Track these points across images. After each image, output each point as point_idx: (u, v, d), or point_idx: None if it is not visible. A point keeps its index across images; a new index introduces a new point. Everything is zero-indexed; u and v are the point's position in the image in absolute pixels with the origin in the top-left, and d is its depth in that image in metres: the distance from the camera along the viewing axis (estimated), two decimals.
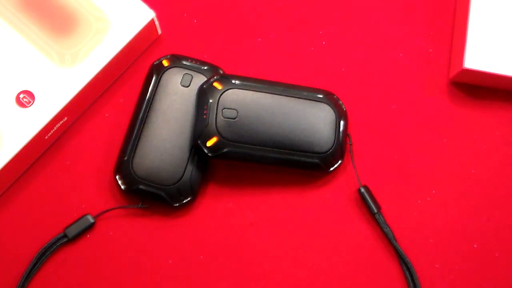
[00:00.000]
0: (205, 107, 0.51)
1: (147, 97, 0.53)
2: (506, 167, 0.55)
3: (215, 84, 0.51)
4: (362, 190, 0.53)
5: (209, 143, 0.50)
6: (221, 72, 0.55)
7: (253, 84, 0.52)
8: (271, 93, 0.52)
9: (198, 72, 0.54)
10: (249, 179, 0.55)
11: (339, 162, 0.53)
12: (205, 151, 0.51)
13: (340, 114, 0.53)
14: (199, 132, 0.51)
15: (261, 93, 0.52)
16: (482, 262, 0.53)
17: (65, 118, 0.54)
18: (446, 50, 0.58)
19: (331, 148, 0.52)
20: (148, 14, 0.54)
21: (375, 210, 0.53)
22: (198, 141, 0.51)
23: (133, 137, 0.52)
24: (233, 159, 0.51)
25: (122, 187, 0.52)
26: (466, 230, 0.54)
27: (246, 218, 0.54)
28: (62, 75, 0.52)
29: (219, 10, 0.58)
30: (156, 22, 0.55)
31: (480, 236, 0.54)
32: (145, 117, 0.53)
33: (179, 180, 0.52)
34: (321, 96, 0.53)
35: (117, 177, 0.52)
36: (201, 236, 0.54)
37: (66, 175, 0.54)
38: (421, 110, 0.56)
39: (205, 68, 0.54)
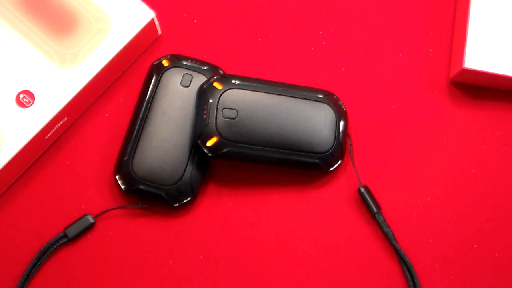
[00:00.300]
0: (205, 107, 0.51)
1: (147, 97, 0.53)
2: (506, 167, 0.55)
3: (215, 84, 0.51)
4: (362, 190, 0.53)
5: (209, 143, 0.50)
6: (221, 72, 0.55)
7: (253, 84, 0.52)
8: (271, 93, 0.52)
9: (198, 72, 0.54)
10: (249, 179, 0.55)
11: (339, 162, 0.53)
12: (205, 151, 0.51)
13: (340, 114, 0.53)
14: (199, 132, 0.51)
15: (261, 93, 0.52)
16: (482, 262, 0.53)
17: (65, 118, 0.54)
18: (446, 50, 0.58)
19: (331, 148, 0.52)
20: (148, 14, 0.54)
21: (375, 210, 0.53)
22: (198, 141, 0.51)
23: (133, 137, 0.52)
24: (233, 159, 0.51)
25: (122, 187, 0.52)
26: (466, 230, 0.54)
27: (246, 218, 0.54)
28: (62, 75, 0.52)
29: (219, 10, 0.58)
30: (156, 22, 0.55)
31: (480, 236, 0.54)
32: (145, 117, 0.53)
33: (179, 180, 0.52)
34: (321, 96, 0.53)
35: (117, 177, 0.52)
36: (201, 236, 0.54)
37: (66, 175, 0.54)
38: (421, 110, 0.56)
39: (205, 68, 0.54)
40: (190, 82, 0.53)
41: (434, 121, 0.56)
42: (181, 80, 0.53)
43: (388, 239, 0.53)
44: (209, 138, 0.50)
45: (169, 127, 0.52)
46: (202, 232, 0.54)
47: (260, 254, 0.53)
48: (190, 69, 0.54)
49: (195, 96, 0.53)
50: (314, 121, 0.52)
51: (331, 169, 0.53)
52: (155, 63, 0.54)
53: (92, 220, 0.53)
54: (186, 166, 0.52)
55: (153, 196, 0.52)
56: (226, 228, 0.54)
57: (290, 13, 0.58)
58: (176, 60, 0.54)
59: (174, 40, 0.58)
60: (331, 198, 0.54)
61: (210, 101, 0.51)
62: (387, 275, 0.53)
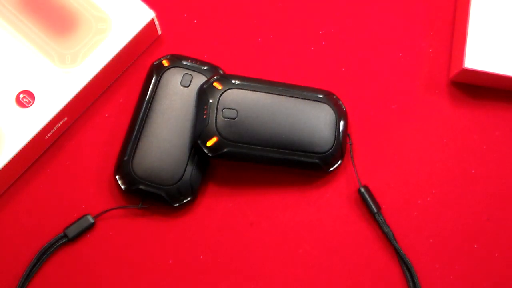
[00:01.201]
0: (205, 107, 0.51)
1: (147, 97, 0.53)
2: (506, 167, 0.55)
3: (215, 84, 0.51)
4: (362, 190, 0.53)
5: (209, 143, 0.50)
6: (221, 72, 0.55)
7: (253, 84, 0.52)
8: (271, 93, 0.52)
9: (198, 72, 0.54)
10: (249, 179, 0.55)
11: (339, 162, 0.53)
12: (205, 151, 0.51)
13: (340, 114, 0.53)
14: (199, 132, 0.51)
15: (261, 93, 0.52)
16: (482, 262, 0.53)
17: (65, 118, 0.54)
18: (446, 50, 0.58)
19: (331, 148, 0.52)
20: (148, 14, 0.54)
21: (375, 210, 0.53)
22: (198, 141, 0.51)
23: (133, 137, 0.52)
24: (233, 159, 0.51)
25: (122, 187, 0.52)
26: (466, 230, 0.54)
27: (246, 218, 0.54)
28: (62, 75, 0.52)
29: (219, 10, 0.58)
30: (156, 22, 0.55)
31: (480, 236, 0.54)
32: (145, 117, 0.53)
33: (179, 180, 0.52)
34: (321, 96, 0.53)
35: (117, 177, 0.52)
36: (201, 236, 0.54)
37: (66, 175, 0.54)
38: (421, 110, 0.56)
39: (205, 68, 0.54)
40: (190, 82, 0.53)
41: (434, 121, 0.56)
42: (181, 80, 0.53)
43: (388, 239, 0.53)
44: (209, 138, 0.50)
45: (169, 127, 0.52)
46: (202, 232, 0.54)
47: (260, 254, 0.53)
48: (190, 69, 0.54)
49: (195, 96, 0.53)
50: (314, 121, 0.52)
51: (331, 169, 0.53)
52: (155, 63, 0.54)
53: (92, 220, 0.53)
54: (186, 166, 0.52)
55: (153, 196, 0.52)
56: (226, 228, 0.54)
57: (290, 13, 0.58)
58: (176, 60, 0.54)
59: (174, 40, 0.58)
60: (331, 198, 0.54)
61: (210, 101, 0.51)
62: (387, 275, 0.53)
